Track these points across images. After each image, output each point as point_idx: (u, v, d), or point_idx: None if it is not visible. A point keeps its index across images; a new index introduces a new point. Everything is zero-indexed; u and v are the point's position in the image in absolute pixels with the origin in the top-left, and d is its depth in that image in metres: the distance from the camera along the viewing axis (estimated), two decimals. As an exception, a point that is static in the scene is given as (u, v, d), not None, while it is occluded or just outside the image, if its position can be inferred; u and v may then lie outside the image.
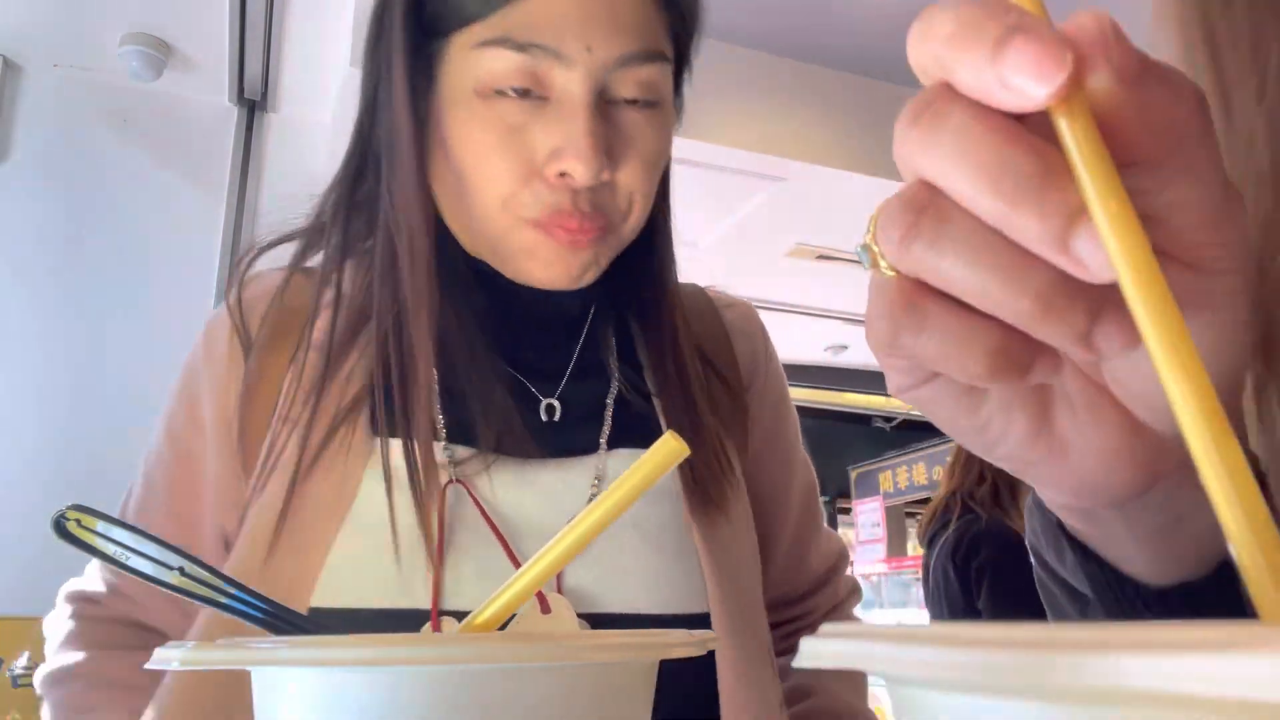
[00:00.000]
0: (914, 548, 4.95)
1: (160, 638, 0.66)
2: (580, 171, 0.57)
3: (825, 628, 0.17)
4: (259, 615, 0.36)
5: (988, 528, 2.61)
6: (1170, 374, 0.20)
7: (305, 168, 2.46)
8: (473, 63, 0.59)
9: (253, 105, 2.51)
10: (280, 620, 0.37)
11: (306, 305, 0.65)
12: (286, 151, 2.53)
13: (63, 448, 2.14)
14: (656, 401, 0.68)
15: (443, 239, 0.65)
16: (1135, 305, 0.20)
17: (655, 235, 0.70)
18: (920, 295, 0.24)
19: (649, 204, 0.64)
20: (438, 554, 0.57)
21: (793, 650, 0.82)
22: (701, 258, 3.33)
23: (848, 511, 5.89)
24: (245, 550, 0.58)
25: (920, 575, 3.05)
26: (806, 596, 0.80)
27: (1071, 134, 0.21)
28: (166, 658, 0.27)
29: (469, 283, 0.65)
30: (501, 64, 0.58)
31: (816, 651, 0.16)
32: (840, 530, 4.79)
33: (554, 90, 0.58)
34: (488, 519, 0.58)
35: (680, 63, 0.67)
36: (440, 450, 0.60)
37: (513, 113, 0.58)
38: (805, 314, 4.05)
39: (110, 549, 0.34)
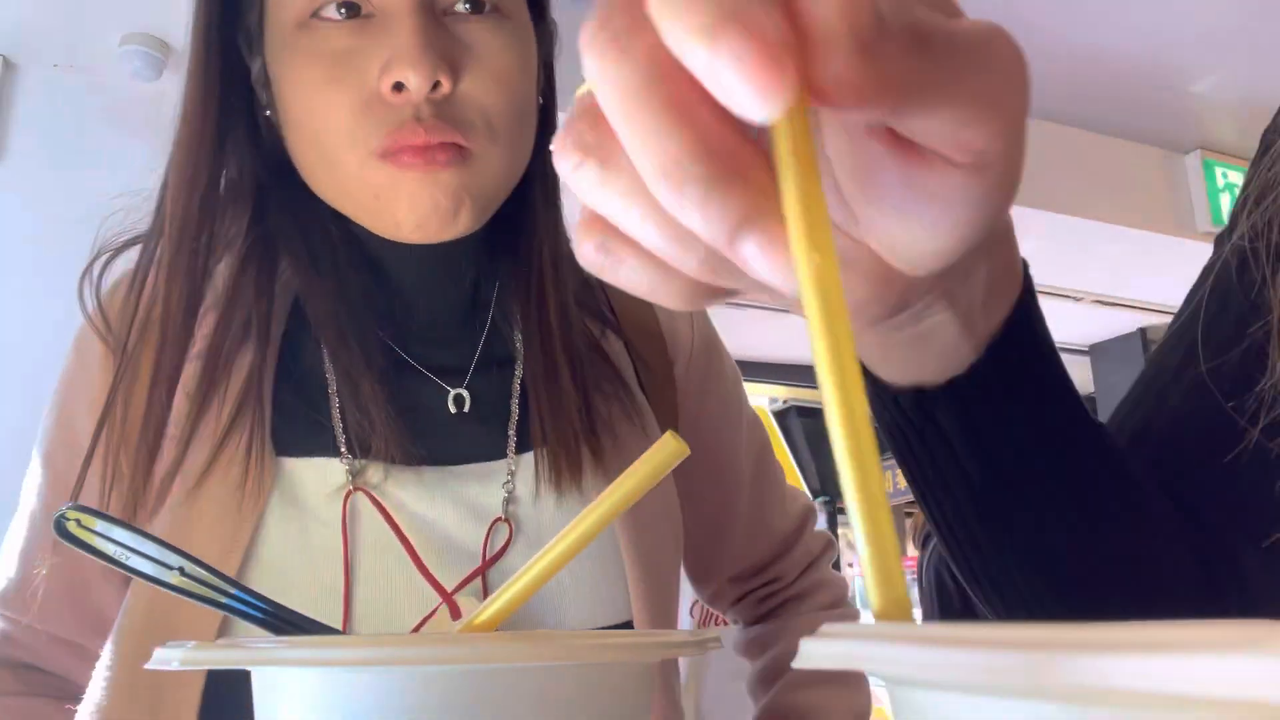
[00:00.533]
0: (913, 548, 4.94)
1: (51, 679, 0.62)
2: (412, 79, 0.52)
3: (825, 628, 0.17)
4: (259, 615, 0.36)
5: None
6: (831, 392, 0.19)
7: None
8: None
9: (252, 105, 2.51)
10: (280, 620, 0.37)
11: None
12: (286, 151, 2.52)
13: (62, 448, 2.13)
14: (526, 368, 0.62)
15: (320, 218, 0.60)
16: (811, 324, 0.19)
17: (531, 179, 0.63)
18: (609, 234, 0.23)
19: (519, 132, 0.59)
20: (344, 576, 0.53)
21: (769, 616, 0.81)
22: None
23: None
24: (140, 587, 0.53)
25: (916, 575, 3.05)
26: (777, 558, 0.78)
27: (783, 142, 0.19)
28: (167, 658, 0.27)
29: (357, 270, 0.61)
30: None
31: (816, 652, 0.16)
32: (840, 530, 4.78)
33: (375, 3, 0.54)
34: (398, 532, 0.54)
35: None
36: (338, 462, 0.56)
37: (338, 37, 0.54)
38: (805, 314, 4.05)
39: (110, 549, 0.34)
